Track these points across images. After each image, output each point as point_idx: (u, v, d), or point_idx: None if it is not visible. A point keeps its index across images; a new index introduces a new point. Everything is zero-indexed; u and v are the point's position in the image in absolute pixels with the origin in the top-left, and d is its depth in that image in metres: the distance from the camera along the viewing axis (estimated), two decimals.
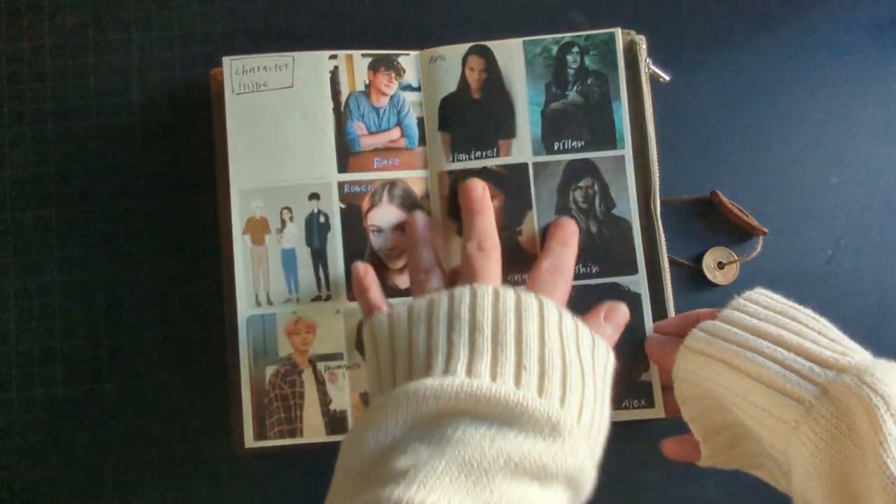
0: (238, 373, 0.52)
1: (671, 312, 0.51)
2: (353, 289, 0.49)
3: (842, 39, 0.57)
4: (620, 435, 0.54)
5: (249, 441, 0.51)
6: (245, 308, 0.52)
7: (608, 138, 0.53)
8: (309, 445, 0.52)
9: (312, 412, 0.52)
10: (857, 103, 0.56)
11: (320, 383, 0.52)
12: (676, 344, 0.45)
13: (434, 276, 0.47)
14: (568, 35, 0.53)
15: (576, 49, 0.53)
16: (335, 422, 0.52)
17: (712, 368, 0.42)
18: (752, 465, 0.46)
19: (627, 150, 0.52)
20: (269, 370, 0.52)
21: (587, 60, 0.53)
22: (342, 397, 0.52)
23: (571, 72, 0.53)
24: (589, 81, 0.53)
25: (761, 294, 0.45)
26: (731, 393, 0.41)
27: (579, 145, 0.53)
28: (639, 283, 0.51)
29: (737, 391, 0.41)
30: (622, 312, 0.48)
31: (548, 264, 0.48)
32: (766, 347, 0.41)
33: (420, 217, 0.52)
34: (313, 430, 0.52)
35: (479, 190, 0.50)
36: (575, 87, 0.53)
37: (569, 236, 0.50)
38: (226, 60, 0.53)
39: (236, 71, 0.53)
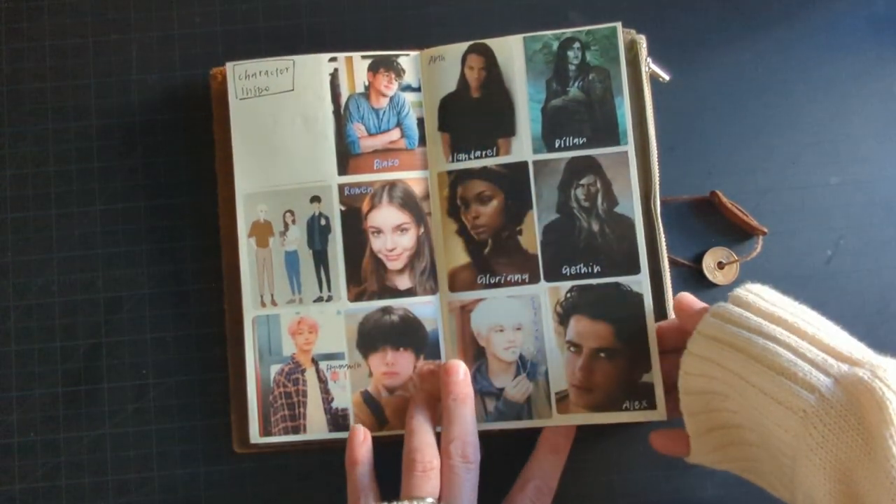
0: (244, 372, 0.52)
1: (671, 313, 0.51)
2: (346, 454, 0.49)
3: (842, 39, 0.57)
4: (620, 435, 0.54)
5: (255, 437, 0.52)
6: (251, 309, 0.53)
7: (611, 134, 0.52)
8: (310, 444, 0.52)
9: (315, 410, 0.52)
10: (857, 103, 0.56)
11: (322, 382, 0.52)
12: (703, 311, 0.45)
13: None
14: (569, 30, 0.53)
15: (577, 45, 0.53)
16: (337, 419, 0.52)
17: (724, 354, 0.42)
18: (743, 469, 0.45)
19: (630, 146, 0.52)
20: (274, 369, 0.52)
21: (588, 56, 0.53)
22: (343, 396, 0.52)
23: (573, 68, 0.53)
24: (590, 77, 0.53)
25: (771, 290, 0.44)
26: (740, 380, 0.41)
27: (581, 142, 0.53)
28: (641, 282, 0.51)
29: (747, 377, 0.40)
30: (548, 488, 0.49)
31: (455, 448, 0.47)
32: (780, 334, 0.40)
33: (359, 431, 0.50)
34: (316, 428, 0.52)
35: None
36: (576, 83, 0.53)
37: (458, 385, 0.49)
38: (229, 66, 0.54)
39: (239, 76, 0.53)
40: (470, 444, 0.47)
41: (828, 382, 0.38)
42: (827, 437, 0.37)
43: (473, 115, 0.54)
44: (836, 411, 0.37)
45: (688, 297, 0.47)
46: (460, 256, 0.53)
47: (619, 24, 0.53)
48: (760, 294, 0.43)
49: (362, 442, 0.49)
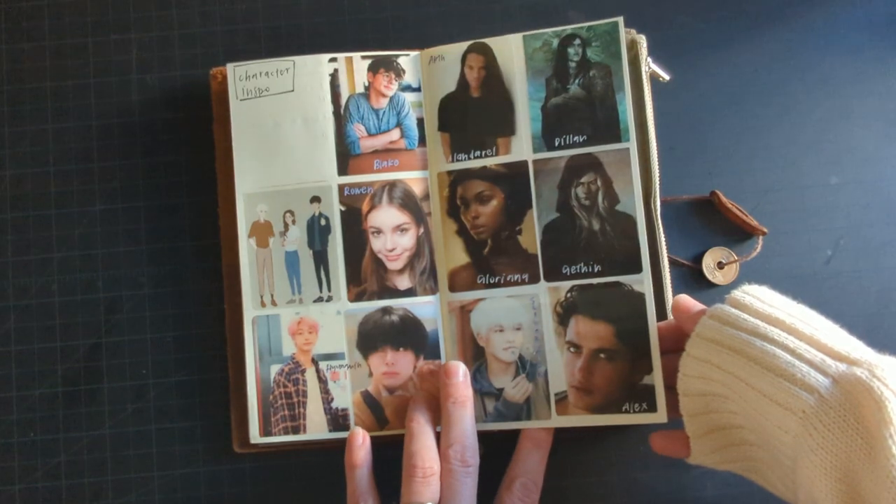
0: (243, 372, 0.52)
1: (671, 314, 0.51)
2: (345, 457, 0.49)
3: (842, 39, 0.57)
4: (620, 435, 0.54)
5: (255, 437, 0.52)
6: (251, 309, 0.53)
7: (612, 131, 0.52)
8: (309, 444, 0.52)
9: (315, 410, 0.52)
10: (857, 103, 0.56)
11: (322, 382, 0.52)
12: (700, 314, 0.45)
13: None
14: (569, 27, 0.53)
15: (577, 41, 0.53)
16: (337, 419, 0.52)
17: (722, 357, 0.42)
18: (745, 469, 0.45)
19: (632, 143, 0.51)
20: (274, 369, 0.52)
21: (589, 52, 0.52)
22: (343, 396, 0.52)
23: (573, 65, 0.53)
24: (591, 74, 0.52)
25: (769, 291, 0.44)
26: (739, 382, 0.41)
27: (581, 140, 0.52)
28: (643, 282, 0.50)
29: (746, 379, 0.40)
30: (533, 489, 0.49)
31: (453, 453, 0.47)
32: (778, 335, 0.40)
33: (359, 434, 0.50)
34: (316, 428, 0.52)
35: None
36: (577, 81, 0.53)
37: (458, 388, 0.49)
38: (229, 67, 0.54)
39: (239, 77, 0.53)
40: (469, 447, 0.47)
41: (826, 383, 0.38)
42: (826, 437, 0.37)
43: (473, 115, 0.54)
44: (836, 411, 0.37)
45: (686, 300, 0.47)
46: (460, 256, 0.53)
47: (620, 19, 0.52)
48: (758, 295, 0.43)
49: (361, 445, 0.49)
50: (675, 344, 0.47)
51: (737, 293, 0.44)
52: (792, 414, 0.38)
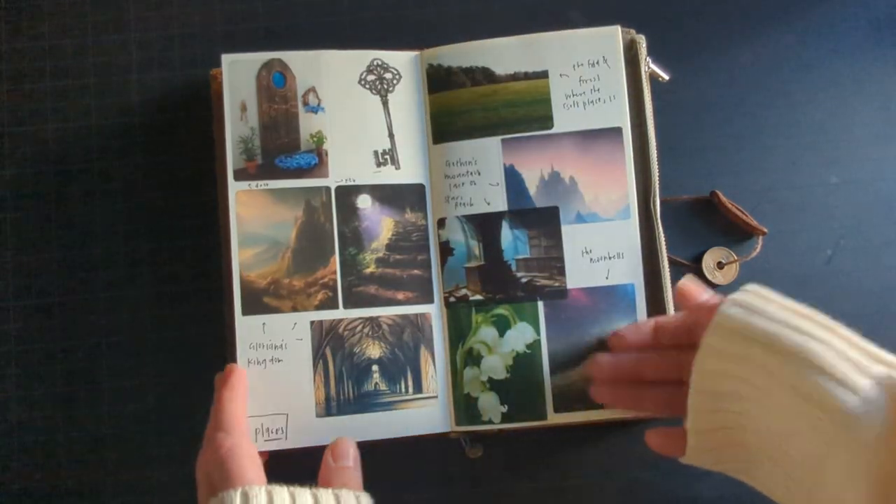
0: None
1: (671, 313, 0.51)
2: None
3: (842, 39, 0.57)
4: (620, 435, 0.54)
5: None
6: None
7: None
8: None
9: None
10: (857, 103, 0.56)
11: None
12: (716, 306, 0.41)
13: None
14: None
15: None
16: None
17: (749, 349, 0.38)
18: (737, 470, 0.43)
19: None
20: None
21: None
22: None
23: None
24: None
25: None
26: (768, 376, 0.37)
27: None
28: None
29: (776, 373, 0.37)
30: (343, 445, 0.47)
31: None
32: (812, 329, 0.37)
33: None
34: None
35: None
36: None
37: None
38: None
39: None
40: (229, 428, 0.46)
41: (867, 384, 0.36)
42: (869, 440, 0.34)
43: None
44: (882, 414, 0.35)
45: (691, 285, 0.45)
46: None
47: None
48: (769, 293, 0.41)
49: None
50: (678, 338, 0.45)
51: (752, 286, 0.41)
52: (824, 412, 0.36)
